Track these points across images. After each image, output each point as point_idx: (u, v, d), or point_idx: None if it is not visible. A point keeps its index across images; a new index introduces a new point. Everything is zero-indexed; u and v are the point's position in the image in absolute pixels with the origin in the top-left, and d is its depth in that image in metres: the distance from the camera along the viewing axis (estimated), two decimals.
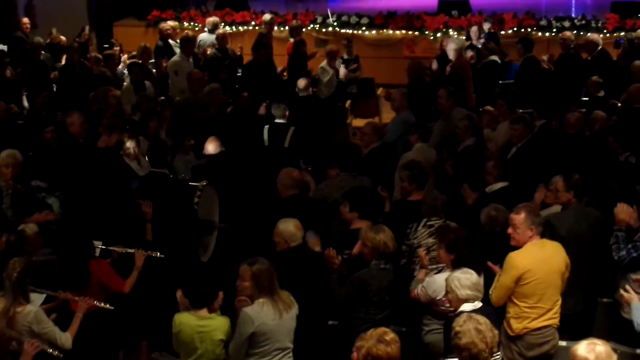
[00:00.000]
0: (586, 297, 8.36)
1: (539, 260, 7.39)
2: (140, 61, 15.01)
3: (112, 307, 7.72)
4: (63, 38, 16.69)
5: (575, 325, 8.00)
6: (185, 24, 19.90)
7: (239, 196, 9.85)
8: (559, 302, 7.54)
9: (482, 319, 5.82)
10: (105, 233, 8.74)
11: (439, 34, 18.50)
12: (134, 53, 16.04)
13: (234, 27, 19.65)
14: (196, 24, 19.85)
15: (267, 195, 9.45)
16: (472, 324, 5.70)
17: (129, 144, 10.34)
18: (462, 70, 14.14)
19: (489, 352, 5.70)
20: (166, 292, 8.01)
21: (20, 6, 18.76)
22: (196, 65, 15.15)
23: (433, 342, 7.56)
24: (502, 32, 17.98)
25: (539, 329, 7.44)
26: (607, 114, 11.46)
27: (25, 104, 14.30)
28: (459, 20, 18.84)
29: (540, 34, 18.19)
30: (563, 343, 7.58)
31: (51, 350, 6.97)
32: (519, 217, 7.47)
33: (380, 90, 16.35)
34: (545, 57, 15.18)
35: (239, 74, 15.56)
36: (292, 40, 16.46)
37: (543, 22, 18.46)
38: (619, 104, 12.55)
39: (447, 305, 7.10)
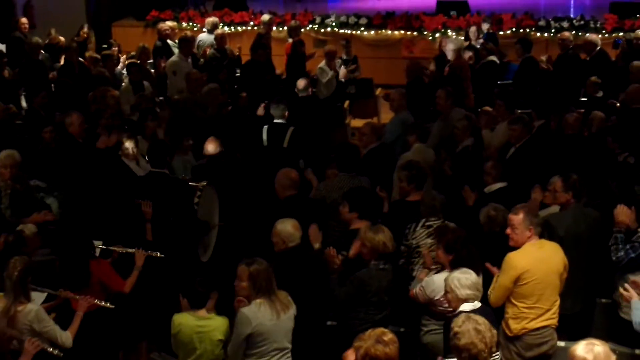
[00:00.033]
0: (585, 298, 8.37)
1: (537, 260, 7.40)
2: (138, 61, 15.00)
3: (113, 306, 7.73)
4: (62, 38, 16.67)
5: (573, 326, 8.00)
6: (184, 24, 19.90)
7: (239, 196, 9.85)
8: (558, 303, 7.54)
9: (480, 319, 5.82)
10: (105, 233, 8.74)
11: (437, 35, 18.49)
12: (133, 53, 16.04)
13: (232, 27, 19.64)
14: (195, 24, 19.85)
15: (265, 195, 9.45)
16: (471, 325, 5.70)
17: (128, 144, 10.33)
18: (460, 71, 14.14)
19: (488, 352, 5.70)
20: (166, 293, 8.02)
21: (19, 6, 18.73)
22: (195, 65, 15.15)
23: (432, 343, 7.56)
24: (501, 33, 17.97)
25: (538, 329, 7.45)
26: (606, 115, 11.46)
27: (24, 104, 14.29)
28: (457, 21, 18.84)
29: (538, 34, 18.19)
30: (561, 343, 7.58)
31: (51, 350, 6.97)
32: (518, 218, 7.48)
33: (378, 91, 16.35)
34: (544, 58, 15.18)
35: (237, 74, 15.55)
36: (290, 40, 16.46)
37: (542, 23, 18.46)
38: (618, 104, 12.56)
39: (446, 305, 7.11)
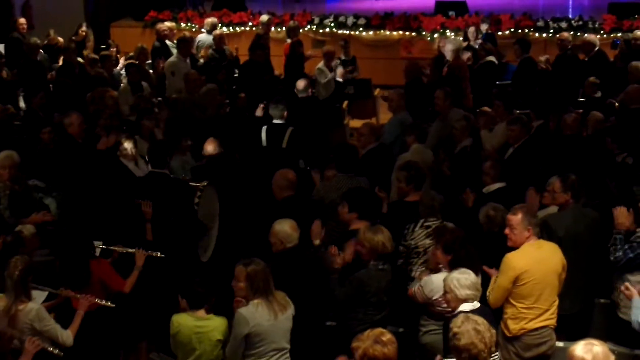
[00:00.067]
0: (583, 298, 8.37)
1: (535, 261, 7.40)
2: (137, 62, 15.00)
3: (114, 305, 7.73)
4: (60, 39, 16.67)
5: (572, 326, 8.00)
6: (183, 24, 19.90)
7: (238, 197, 9.85)
8: (556, 303, 7.54)
9: (479, 319, 5.82)
10: (105, 233, 8.74)
11: (436, 35, 18.50)
12: (132, 54, 16.04)
13: (231, 27, 19.65)
14: (193, 25, 19.85)
15: (264, 196, 9.44)
16: (470, 325, 5.70)
17: (127, 145, 10.32)
18: (459, 71, 14.13)
19: (488, 352, 5.70)
20: (166, 293, 8.02)
21: (17, 7, 18.74)
22: (193, 66, 15.14)
23: (430, 343, 7.56)
24: (499, 33, 17.99)
25: (536, 329, 7.44)
26: (605, 115, 11.46)
27: (22, 104, 14.28)
28: (456, 21, 18.85)
29: (537, 34, 18.22)
30: (560, 344, 7.58)
31: (51, 349, 6.98)
32: (516, 218, 7.47)
33: (377, 91, 16.35)
34: (543, 58, 15.17)
35: (236, 75, 15.55)
36: (289, 41, 16.46)
37: (540, 23, 18.49)
38: (617, 104, 12.56)
39: (444, 305, 7.11)
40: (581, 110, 12.20)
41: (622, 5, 19.03)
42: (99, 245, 8.42)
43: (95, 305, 7.62)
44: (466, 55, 15.06)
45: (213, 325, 6.99)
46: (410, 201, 8.85)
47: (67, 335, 7.27)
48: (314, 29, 19.41)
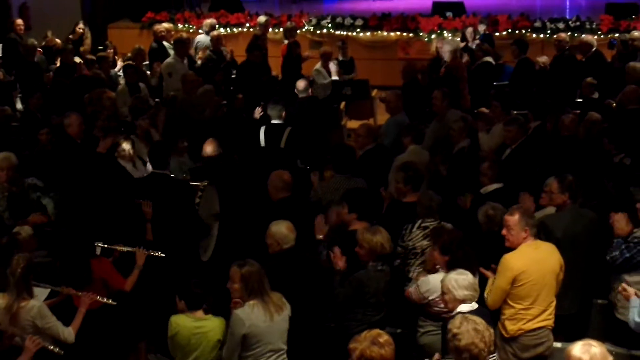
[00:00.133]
0: (582, 299, 8.38)
1: (533, 261, 7.40)
2: (134, 63, 14.99)
3: (115, 303, 7.74)
4: (58, 41, 16.71)
5: (570, 327, 8.00)
6: (180, 25, 19.89)
7: (237, 197, 9.85)
8: (554, 304, 7.55)
9: (477, 318, 5.84)
10: (106, 233, 8.73)
11: (433, 36, 18.51)
12: (129, 55, 16.04)
13: (228, 28, 19.64)
14: (190, 26, 19.85)
15: (263, 196, 9.44)
16: (470, 325, 5.71)
17: (125, 146, 10.33)
18: (456, 72, 14.13)
19: (487, 352, 5.72)
20: (165, 293, 8.01)
21: (15, 8, 18.73)
22: (191, 67, 15.14)
23: (428, 344, 7.56)
24: (497, 34, 17.99)
25: (534, 330, 7.44)
26: (602, 116, 11.46)
27: (19, 106, 14.28)
28: (453, 22, 18.86)
29: (534, 35, 18.22)
30: (558, 344, 7.59)
31: (52, 348, 6.99)
32: (513, 219, 7.48)
33: (375, 92, 16.35)
34: (540, 59, 15.15)
35: (233, 76, 15.55)
36: (286, 42, 16.46)
37: (537, 24, 18.48)
38: (614, 104, 12.56)
39: (441, 306, 7.11)
40: (578, 111, 12.20)
41: (620, 6, 19.04)
42: (100, 244, 8.42)
43: (96, 303, 7.63)
44: (465, 58, 15.05)
45: (211, 325, 6.99)
46: (408, 202, 8.85)
47: (68, 333, 7.29)
48: (312, 30, 19.41)
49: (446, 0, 20.37)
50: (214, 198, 9.64)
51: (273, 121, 11.35)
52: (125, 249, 8.43)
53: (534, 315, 7.42)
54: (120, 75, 15.29)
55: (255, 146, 11.25)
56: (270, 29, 18.30)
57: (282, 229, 7.68)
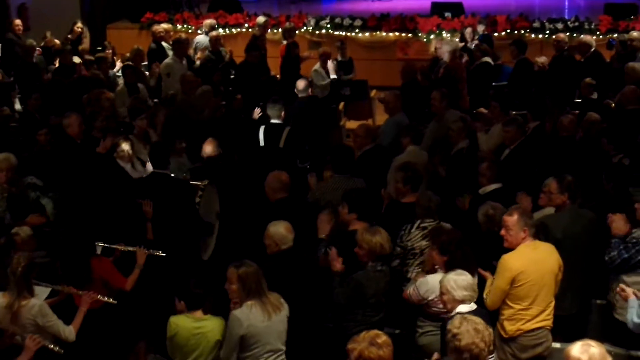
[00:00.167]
0: (581, 299, 8.37)
1: (532, 261, 7.40)
2: (132, 64, 14.99)
3: (116, 302, 7.76)
4: (57, 41, 16.70)
5: (569, 327, 8.00)
6: (179, 26, 19.88)
7: (237, 197, 9.86)
8: (552, 304, 7.55)
9: (477, 318, 5.85)
10: (106, 232, 8.73)
11: (432, 36, 18.51)
12: (128, 55, 16.04)
13: (227, 29, 19.64)
14: (189, 26, 19.84)
15: (262, 196, 9.45)
16: (470, 325, 5.71)
17: (124, 147, 10.32)
18: (455, 72, 14.14)
19: (487, 352, 5.72)
20: (165, 293, 8.02)
21: (13, 8, 18.72)
22: (190, 67, 15.14)
23: (427, 344, 7.56)
24: (495, 34, 17.99)
25: (533, 330, 7.45)
26: (601, 116, 11.46)
27: (18, 106, 14.28)
28: (452, 22, 18.85)
29: (533, 35, 18.21)
30: (557, 345, 7.58)
31: (52, 346, 7.00)
32: (512, 219, 7.48)
33: (373, 93, 16.35)
34: (540, 60, 15.14)
35: (232, 76, 15.55)
36: (285, 42, 16.46)
37: (536, 24, 18.48)
38: (613, 105, 12.56)
39: (440, 306, 7.10)
40: (577, 112, 12.20)
41: (618, 6, 19.04)
42: (101, 244, 8.43)
43: (97, 302, 7.64)
44: (464, 56, 15.05)
45: (211, 325, 6.99)
46: (407, 202, 8.85)
47: (69, 331, 7.30)
48: (310, 31, 19.40)
49: (445, 0, 20.35)
50: (214, 197, 9.66)
51: (272, 121, 11.36)
52: (126, 248, 8.44)
53: (532, 315, 7.43)
54: (119, 76, 15.29)
55: (255, 146, 11.25)
56: (269, 30, 18.30)
57: (280, 230, 7.68)
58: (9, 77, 15.01)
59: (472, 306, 6.72)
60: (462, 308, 6.65)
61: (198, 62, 15.84)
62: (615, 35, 17.12)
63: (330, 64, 15.43)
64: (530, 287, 7.37)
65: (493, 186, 9.22)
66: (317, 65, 15.47)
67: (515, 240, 7.48)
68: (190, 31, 19.38)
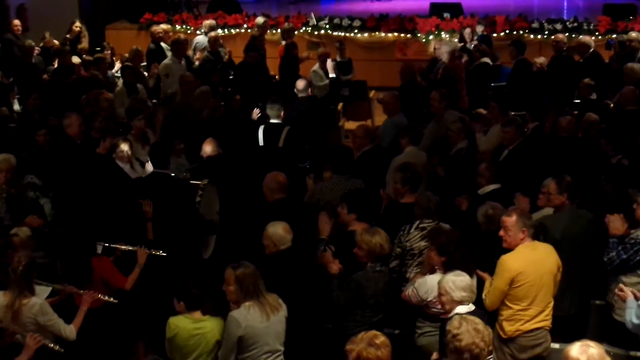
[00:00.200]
0: (580, 299, 8.37)
1: (531, 262, 7.40)
2: (131, 64, 14.99)
3: (116, 301, 7.77)
4: (56, 42, 16.70)
5: (568, 328, 8.00)
6: (178, 27, 19.87)
7: (237, 196, 9.86)
8: (551, 304, 7.55)
9: (476, 318, 5.85)
10: (107, 232, 8.74)
11: (431, 37, 18.52)
12: (127, 56, 16.03)
13: (226, 29, 19.63)
14: (188, 27, 19.83)
15: (261, 196, 9.46)
16: (470, 325, 5.71)
17: (123, 147, 10.32)
18: (454, 73, 14.13)
19: (487, 352, 5.72)
20: (165, 293, 8.02)
21: (12, 9, 18.72)
22: (188, 68, 15.14)
23: (426, 345, 7.55)
24: (494, 35, 17.99)
25: (532, 331, 7.45)
26: (600, 117, 11.46)
27: (17, 107, 14.27)
28: (451, 23, 18.84)
29: (532, 36, 18.23)
30: (556, 345, 7.59)
31: (52, 345, 7.02)
32: (511, 220, 7.48)
33: (372, 93, 16.35)
34: (539, 60, 15.14)
35: (231, 77, 15.54)
36: (283, 43, 16.46)
37: (535, 25, 18.49)
38: (612, 105, 12.57)
39: (439, 307, 7.10)
40: (576, 112, 12.20)
41: (617, 7, 19.05)
42: (102, 243, 8.44)
43: (98, 301, 7.65)
44: (463, 57, 15.05)
45: (210, 326, 6.98)
46: (406, 203, 8.85)
47: (70, 330, 7.31)
48: (309, 31, 19.40)
49: (444, 1, 20.35)
50: (214, 197, 9.67)
51: (271, 120, 11.36)
52: (127, 248, 8.46)
53: (531, 316, 7.43)
54: (118, 77, 15.29)
55: (254, 146, 11.25)
56: (268, 30, 18.29)
57: (278, 230, 7.67)
58: (8, 78, 15.00)
59: (471, 307, 6.72)
60: (461, 309, 6.64)
61: (197, 63, 15.83)
62: (614, 35, 17.12)
63: (329, 63, 15.43)
64: (529, 287, 7.37)
65: (492, 187, 9.22)
66: (316, 66, 15.46)
67: (514, 241, 7.48)
68: (189, 32, 19.36)
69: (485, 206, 8.33)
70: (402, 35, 18.98)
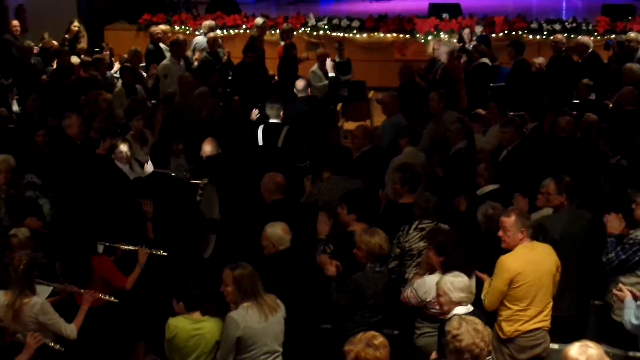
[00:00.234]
0: (580, 300, 8.37)
1: (530, 262, 7.40)
2: (130, 65, 14.99)
3: (117, 300, 7.78)
4: (55, 42, 16.69)
5: (567, 328, 8.00)
6: (176, 27, 19.86)
7: (237, 196, 9.87)
8: (550, 305, 7.55)
9: (475, 319, 5.85)
10: (107, 232, 8.74)
11: (430, 37, 18.52)
12: (125, 56, 16.03)
13: (225, 30, 19.62)
14: (187, 28, 19.83)
15: (259, 196, 9.46)
16: (470, 326, 5.71)
17: (122, 148, 10.33)
18: (453, 73, 14.14)
19: (487, 352, 5.72)
20: (165, 293, 8.03)
21: (11, 9, 18.72)
22: (187, 68, 15.14)
23: (425, 346, 7.54)
24: (493, 35, 17.99)
25: (531, 331, 7.45)
26: (599, 117, 11.46)
27: (16, 107, 14.27)
28: (449, 23, 18.84)
29: (531, 36, 18.23)
30: (555, 346, 7.59)
31: (52, 344, 7.02)
32: (510, 220, 7.48)
33: (371, 94, 16.35)
34: (538, 60, 15.14)
35: (230, 78, 15.54)
36: (282, 43, 16.46)
37: (534, 25, 18.49)
38: (610, 105, 12.57)
39: (438, 307, 7.10)
40: (575, 112, 12.20)
41: (616, 7, 19.05)
42: (103, 243, 8.44)
43: (98, 301, 7.66)
44: (463, 59, 15.05)
45: (210, 326, 6.97)
46: (405, 203, 8.85)
47: (71, 329, 7.32)
48: (308, 32, 19.40)
49: (443, 1, 20.35)
50: (214, 196, 9.68)
51: (271, 120, 11.36)
52: (127, 247, 8.46)
53: (530, 316, 7.43)
54: (117, 77, 15.28)
55: (253, 145, 11.26)
56: (266, 31, 18.28)
57: (277, 231, 7.67)
58: (7, 79, 15.00)
59: (469, 308, 6.71)
60: (459, 310, 6.63)
61: (196, 63, 15.83)
62: (613, 36, 17.12)
63: (329, 62, 15.42)
64: (528, 288, 7.37)
65: (490, 187, 9.23)
66: (314, 67, 15.45)
67: (513, 242, 7.48)
68: (188, 32, 19.34)
69: (485, 206, 8.33)
70: (401, 35, 18.98)
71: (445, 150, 10.81)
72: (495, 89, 14.17)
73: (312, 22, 19.52)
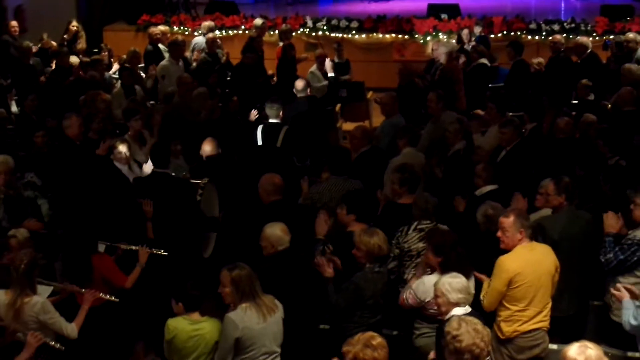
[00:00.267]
0: (579, 300, 8.37)
1: (529, 263, 7.40)
2: (129, 65, 14.99)
3: (118, 300, 7.80)
4: (54, 43, 16.69)
5: (566, 328, 8.00)
6: (175, 28, 19.87)
7: (237, 196, 9.87)
8: (549, 305, 7.55)
9: (474, 319, 5.86)
10: (107, 232, 8.74)
11: (428, 38, 18.53)
12: (125, 57, 16.03)
13: (224, 31, 19.62)
14: (186, 28, 19.83)
15: (258, 197, 9.47)
16: (469, 326, 5.72)
17: (121, 148, 10.32)
18: (452, 74, 14.13)
19: (487, 352, 5.72)
20: (165, 293, 8.03)
21: (10, 10, 18.71)
22: (186, 69, 15.13)
23: (424, 346, 7.54)
24: (492, 36, 18.01)
25: (530, 331, 7.45)
26: (597, 118, 11.46)
27: (14, 108, 14.27)
28: (448, 24, 18.86)
29: (529, 37, 18.24)
30: (554, 346, 7.59)
31: (53, 343, 7.03)
32: (508, 221, 7.48)
33: (370, 94, 16.36)
34: (536, 60, 15.15)
35: (228, 78, 15.54)
36: (281, 44, 16.46)
37: (532, 26, 18.51)
38: (609, 106, 12.58)
39: (436, 308, 7.09)
40: (574, 113, 12.21)
41: (615, 8, 19.07)
42: (103, 243, 8.44)
43: (99, 300, 7.66)
44: (462, 60, 15.06)
45: (209, 327, 6.96)
46: (403, 203, 8.85)
47: (71, 329, 7.33)
48: (307, 32, 19.40)
49: (441, 2, 20.36)
50: (214, 195, 9.69)
51: (270, 120, 11.37)
52: (128, 247, 8.48)
53: (529, 316, 7.43)
54: (115, 78, 15.28)
55: (252, 145, 11.26)
56: (265, 32, 18.28)
57: (276, 231, 7.67)
58: (6, 79, 15.00)
59: (467, 309, 6.70)
60: (457, 311, 6.63)
61: (194, 64, 15.83)
62: (612, 36, 17.13)
63: (327, 63, 15.43)
64: (527, 288, 7.37)
65: (489, 187, 9.22)
66: (313, 67, 15.46)
67: (512, 242, 7.48)
68: (186, 33, 19.35)
69: (484, 206, 8.33)
70: (400, 36, 18.99)
71: (444, 150, 10.81)
72: (494, 90, 14.18)
73: (309, 23, 19.52)
